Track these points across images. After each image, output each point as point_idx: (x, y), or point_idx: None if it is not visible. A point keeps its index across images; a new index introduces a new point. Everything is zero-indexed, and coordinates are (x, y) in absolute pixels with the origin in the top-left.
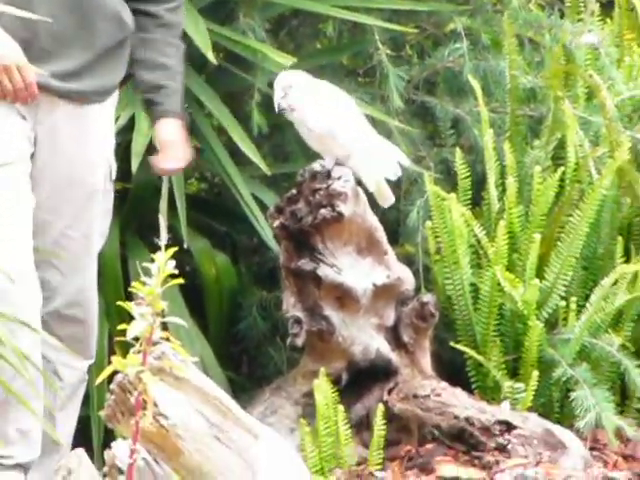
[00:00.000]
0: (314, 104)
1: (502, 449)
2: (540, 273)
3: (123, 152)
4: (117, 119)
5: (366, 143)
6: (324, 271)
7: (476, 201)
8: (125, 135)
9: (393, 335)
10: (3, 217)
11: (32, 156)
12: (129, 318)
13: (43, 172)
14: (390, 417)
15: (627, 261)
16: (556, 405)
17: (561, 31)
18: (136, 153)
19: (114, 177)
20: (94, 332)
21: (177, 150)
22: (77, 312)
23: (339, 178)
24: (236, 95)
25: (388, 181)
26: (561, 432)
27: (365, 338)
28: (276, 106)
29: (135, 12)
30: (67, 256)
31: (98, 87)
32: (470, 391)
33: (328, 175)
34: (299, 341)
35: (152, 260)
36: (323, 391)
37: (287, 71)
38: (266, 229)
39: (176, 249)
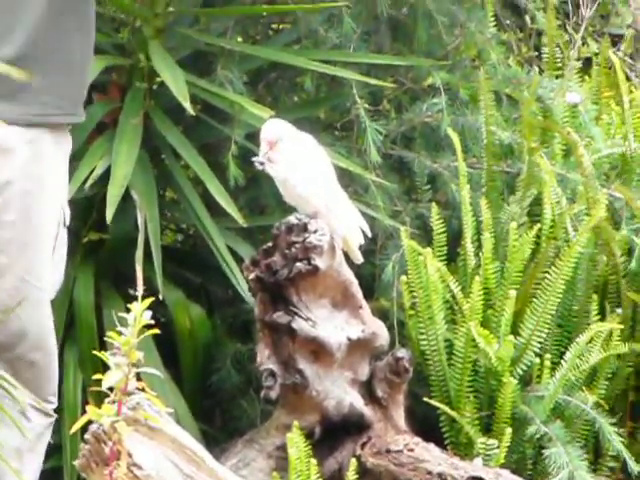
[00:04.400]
0: (294, 162)
1: None
2: (515, 330)
3: (99, 203)
4: (93, 170)
5: (337, 205)
6: (299, 324)
7: (452, 257)
8: (101, 186)
9: (367, 390)
10: None
11: None
12: (103, 368)
13: None
14: (363, 472)
15: (602, 319)
16: (529, 462)
17: (539, 87)
18: (111, 203)
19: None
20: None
21: None
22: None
23: (315, 231)
24: (213, 147)
25: (364, 236)
26: None
27: (339, 392)
28: (256, 160)
29: None
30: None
31: None
32: (443, 447)
33: (304, 228)
34: (273, 394)
35: (127, 310)
36: (296, 445)
37: (271, 122)
38: (241, 281)
39: (152, 300)
